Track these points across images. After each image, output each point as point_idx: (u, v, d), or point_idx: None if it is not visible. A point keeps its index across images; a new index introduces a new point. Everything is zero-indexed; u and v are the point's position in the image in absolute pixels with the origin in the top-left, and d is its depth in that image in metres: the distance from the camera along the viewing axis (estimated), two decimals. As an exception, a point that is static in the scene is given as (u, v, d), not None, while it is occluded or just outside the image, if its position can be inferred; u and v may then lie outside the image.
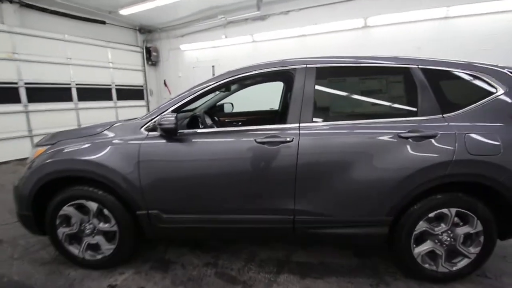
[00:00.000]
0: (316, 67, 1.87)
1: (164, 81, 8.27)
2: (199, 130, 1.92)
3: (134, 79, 7.91)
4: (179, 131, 1.85)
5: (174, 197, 1.89)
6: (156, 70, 8.35)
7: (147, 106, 8.35)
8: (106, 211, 1.93)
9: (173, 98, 1.95)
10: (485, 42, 4.31)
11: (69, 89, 6.47)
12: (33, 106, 5.83)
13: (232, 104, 3.53)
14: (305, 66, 1.88)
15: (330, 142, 1.74)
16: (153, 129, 1.88)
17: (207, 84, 1.94)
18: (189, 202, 1.89)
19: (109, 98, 7.28)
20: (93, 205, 1.93)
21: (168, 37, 7.75)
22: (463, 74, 1.82)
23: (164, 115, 1.79)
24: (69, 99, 6.47)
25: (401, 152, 1.70)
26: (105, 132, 1.98)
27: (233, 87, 3.15)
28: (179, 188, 1.86)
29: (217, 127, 2.67)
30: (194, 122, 2.34)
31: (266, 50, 6.23)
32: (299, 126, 1.79)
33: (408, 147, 1.70)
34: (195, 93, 1.93)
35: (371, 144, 1.73)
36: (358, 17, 5.15)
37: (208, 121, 2.61)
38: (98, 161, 1.82)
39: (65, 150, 1.91)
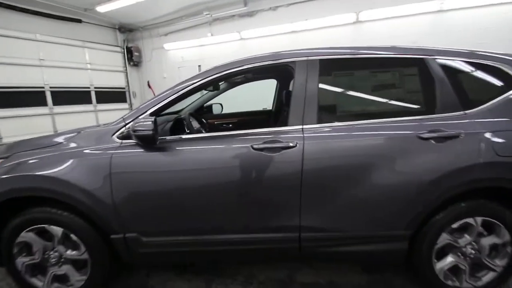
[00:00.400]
0: (319, 60, 1.61)
1: (148, 82, 7.86)
2: (184, 136, 1.62)
3: (115, 80, 7.44)
4: (161, 137, 1.55)
5: (156, 216, 1.58)
6: (139, 71, 7.92)
7: (130, 109, 7.90)
8: (73, 236, 1.60)
9: (151, 99, 1.64)
10: (481, 36, 4.21)
11: (43, 93, 5.97)
12: (1, 112, 5.32)
13: (221, 104, 3.24)
14: (306, 58, 1.62)
15: (340, 146, 1.49)
16: (128, 136, 1.57)
17: (192, 82, 1.65)
18: (174, 222, 1.59)
19: (88, 101, 6.80)
20: (57, 230, 1.60)
21: (151, 36, 7.35)
22: (483, 65, 1.62)
23: (140, 119, 1.48)
24: (43, 103, 5.97)
25: (421, 155, 1.47)
26: (69, 141, 1.65)
27: (222, 86, 2.86)
28: (162, 206, 1.56)
29: (206, 131, 2.37)
30: (178, 126, 2.04)
31: (254, 48, 5.96)
32: (302, 129, 1.53)
33: (429, 149, 1.47)
34: (178, 92, 1.63)
35: (387, 148, 1.49)
36: (350, 11, 4.96)
37: (195, 124, 2.30)
38: (56, 177, 1.49)
39: (19, 165, 1.57)
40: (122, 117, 1.63)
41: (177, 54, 7.19)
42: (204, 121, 3.01)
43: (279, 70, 2.15)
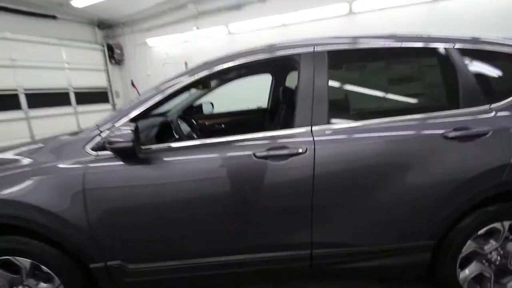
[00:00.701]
0: (328, 51, 1.40)
1: (132, 81, 7.46)
2: (173, 145, 1.38)
3: (95, 80, 7.01)
4: (145, 147, 1.31)
5: (143, 239, 1.35)
6: (121, 69, 7.50)
7: (114, 109, 7.50)
8: (45, 268, 1.35)
9: (132, 101, 1.39)
10: (477, 25, 4.11)
11: (16, 96, 5.52)
12: (-31, 118, 4.88)
13: (212, 103, 2.99)
14: (312, 50, 1.40)
15: (356, 149, 1.29)
16: (104, 146, 1.32)
17: (180, 80, 1.41)
18: (166, 245, 1.36)
19: (67, 103, 6.36)
20: (24, 262, 1.34)
21: (133, 32, 6.94)
22: (507, 54, 1.45)
23: (118, 127, 1.23)
24: (17, 107, 5.53)
25: (448, 157, 1.30)
26: (32, 155, 1.38)
27: (212, 83, 2.61)
28: (149, 228, 1.33)
29: (197, 134, 2.11)
30: (165, 131, 1.78)
31: (243, 42, 5.69)
32: (311, 131, 1.32)
33: (455, 150, 1.30)
34: (163, 92, 1.38)
35: (409, 151, 1.31)
36: (342, 1, 4.77)
37: (185, 128, 2.05)
38: (15, 200, 1.23)
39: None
40: (96, 124, 1.37)
41: (161, 51, 6.84)
42: (195, 122, 2.77)
43: (276, 64, 1.92)
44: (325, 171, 1.26)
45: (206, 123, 2.89)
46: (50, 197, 1.24)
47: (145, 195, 1.29)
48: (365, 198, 1.30)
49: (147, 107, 1.37)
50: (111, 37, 7.20)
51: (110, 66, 7.25)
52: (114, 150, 1.20)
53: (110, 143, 1.17)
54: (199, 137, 1.96)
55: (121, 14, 6.56)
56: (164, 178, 1.29)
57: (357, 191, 1.29)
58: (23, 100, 5.61)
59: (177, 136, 1.69)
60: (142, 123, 1.57)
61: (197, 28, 6.14)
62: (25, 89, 5.63)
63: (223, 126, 2.82)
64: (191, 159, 1.31)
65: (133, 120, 1.34)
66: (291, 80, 2.83)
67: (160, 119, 1.95)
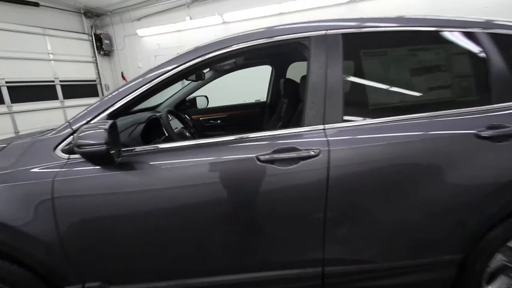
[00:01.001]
0: (342, 34, 1.19)
1: (122, 73, 7.13)
2: (162, 145, 1.17)
3: (83, 72, 6.67)
4: (127, 148, 1.10)
5: (127, 256, 1.15)
6: (111, 60, 7.15)
7: (104, 104, 7.16)
8: (11, 292, 1.14)
9: (111, 93, 1.17)
10: (480, 15, 3.95)
11: (-3, 89, 5.19)
12: None
13: (206, 97, 2.77)
14: (324, 32, 1.19)
15: (377, 152, 1.10)
16: (78, 149, 1.10)
17: (168, 69, 1.19)
18: (153, 263, 1.16)
19: (54, 97, 6.03)
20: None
21: (122, 21, 6.59)
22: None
23: (90, 125, 1.01)
24: (-1, 101, 5.21)
25: (480, 159, 1.12)
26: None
27: (206, 75, 2.39)
28: (133, 243, 1.13)
29: (191, 132, 1.89)
30: (153, 129, 1.56)
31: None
32: (324, 129, 1.12)
33: (489, 151, 1.12)
34: (148, 83, 1.17)
35: (438, 152, 1.12)
36: (343, -11, 4.55)
37: (176, 124, 1.83)
38: None
39: None
40: (67, 121, 1.14)
41: (152, 41, 6.52)
42: (188, 117, 2.55)
43: (278, 52, 1.71)
44: (342, 177, 1.07)
45: (200, 118, 2.67)
46: (11, 209, 1.03)
47: (127, 205, 1.09)
48: (385, 208, 1.12)
49: (130, 100, 1.15)
50: (99, 27, 6.83)
51: (98, 58, 6.90)
52: (84, 155, 0.99)
53: (79, 146, 0.95)
54: (192, 135, 1.75)
55: (109, 2, 6.19)
56: (149, 186, 1.09)
57: (376, 201, 1.11)
58: (5, 94, 5.27)
59: (166, 135, 1.48)
60: (124, 120, 1.35)
61: (190, 17, 5.84)
62: (7, 82, 5.29)
63: (218, 122, 2.61)
64: (182, 164, 1.10)
65: (113, 115, 1.13)
66: (292, 72, 2.62)
67: (147, 114, 1.73)
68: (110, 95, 1.18)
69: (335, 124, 1.12)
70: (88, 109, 1.15)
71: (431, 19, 1.25)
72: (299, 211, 1.10)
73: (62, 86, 6.16)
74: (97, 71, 6.95)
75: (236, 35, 1.25)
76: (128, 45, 6.77)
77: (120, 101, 1.16)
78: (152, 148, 1.15)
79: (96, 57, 6.87)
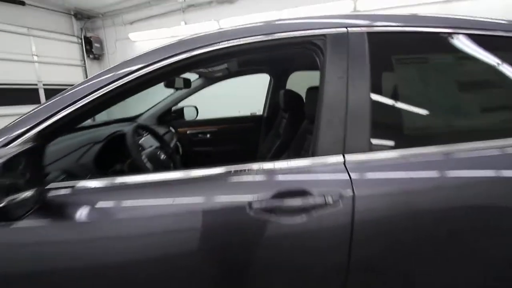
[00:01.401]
0: (368, 33, 0.88)
1: (112, 79, 6.80)
2: (116, 180, 0.81)
3: (70, 76, 6.30)
4: (54, 186, 0.76)
5: None
6: (101, 65, 6.82)
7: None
8: None
9: (39, 106, 0.83)
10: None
11: (-28, 91, 4.81)
12: None
13: (196, 108, 2.44)
14: (345, 30, 0.88)
15: (420, 197, 0.77)
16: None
17: (130, 70, 0.85)
18: None
19: (36, 101, 5.63)
20: None
21: (114, 24, 6.30)
22: None
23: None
24: (-26, 104, 4.82)
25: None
26: None
27: (195, 83, 2.09)
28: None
29: (166, 151, 1.47)
30: (116, 148, 1.21)
31: (236, 40, 5.17)
32: (344, 162, 0.79)
33: None
34: (104, 87, 0.82)
35: (505, 198, 0.80)
36: (347, -2, 4.34)
37: (150, 142, 1.44)
38: None
39: None
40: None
41: (145, 46, 6.20)
42: (173, 130, 2.21)
43: (278, 58, 1.41)
44: (371, 237, 0.73)
45: (188, 132, 2.34)
46: None
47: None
48: (428, 278, 0.79)
49: (75, 111, 0.81)
50: (89, 29, 6.54)
51: (88, 61, 6.58)
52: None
53: None
54: (169, 156, 1.39)
55: (101, 4, 5.92)
56: (91, 242, 0.73)
57: (418, 269, 0.77)
58: (-20, 96, 4.90)
59: (129, 160, 1.12)
60: (74, 139, 1.01)
61: (185, 22, 5.58)
62: (-17, 84, 4.92)
63: (208, 136, 2.27)
64: (140, 208, 0.75)
65: (45, 135, 0.78)
66: (291, 83, 2.33)
67: (112, 129, 1.37)
68: (46, 104, 0.84)
69: (360, 155, 0.79)
70: (8, 125, 0.80)
71: (483, 21, 0.95)
72: (308, 284, 0.75)
73: (45, 90, 5.79)
74: (85, 76, 6.60)
75: (225, 29, 0.93)
76: (120, 49, 6.46)
77: (60, 113, 0.81)
78: (102, 184, 0.80)
79: (85, 61, 6.54)
